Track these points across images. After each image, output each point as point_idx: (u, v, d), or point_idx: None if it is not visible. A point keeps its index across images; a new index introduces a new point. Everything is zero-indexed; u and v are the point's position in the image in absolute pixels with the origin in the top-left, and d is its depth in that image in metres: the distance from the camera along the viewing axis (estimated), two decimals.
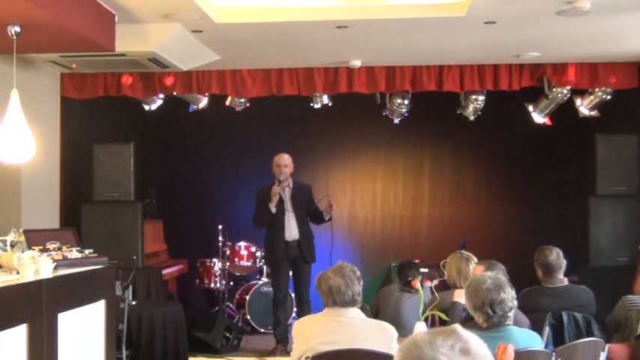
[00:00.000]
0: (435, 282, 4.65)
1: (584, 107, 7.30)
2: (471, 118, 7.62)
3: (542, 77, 6.97)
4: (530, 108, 7.53)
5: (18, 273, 3.78)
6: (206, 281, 8.22)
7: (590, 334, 4.52)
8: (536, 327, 4.16)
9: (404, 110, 7.64)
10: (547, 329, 4.50)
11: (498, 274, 3.64)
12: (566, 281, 4.81)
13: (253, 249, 8.20)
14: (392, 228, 9.02)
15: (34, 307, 3.65)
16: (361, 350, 3.35)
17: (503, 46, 6.22)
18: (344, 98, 7.56)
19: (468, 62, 6.88)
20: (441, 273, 5.00)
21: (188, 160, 9.00)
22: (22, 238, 4.39)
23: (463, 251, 4.90)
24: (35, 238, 4.42)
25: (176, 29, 5.53)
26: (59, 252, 4.35)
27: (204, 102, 7.91)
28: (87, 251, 4.54)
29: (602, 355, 3.78)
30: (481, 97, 7.38)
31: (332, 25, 5.52)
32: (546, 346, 3.92)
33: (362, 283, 3.63)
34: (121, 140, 7.07)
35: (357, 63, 6.79)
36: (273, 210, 6.70)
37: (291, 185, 6.86)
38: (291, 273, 7.02)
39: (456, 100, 7.58)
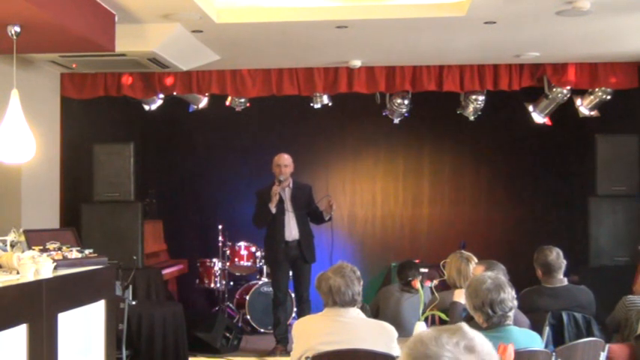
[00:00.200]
0: (435, 282, 4.66)
1: (584, 107, 7.30)
2: (471, 118, 7.62)
3: (542, 77, 6.97)
4: (530, 108, 7.53)
5: (18, 273, 3.78)
6: (206, 281, 8.22)
7: (590, 334, 4.53)
8: (536, 327, 4.16)
9: (404, 110, 7.64)
10: (547, 329, 4.50)
11: (498, 274, 3.64)
12: (565, 281, 4.80)
13: (253, 249, 8.20)
14: (392, 228, 9.02)
15: (34, 307, 3.65)
16: (361, 350, 3.36)
17: (503, 46, 6.22)
18: (344, 98, 7.56)
19: (468, 62, 6.88)
20: (441, 273, 5.00)
21: (188, 159, 9.00)
22: (22, 238, 4.38)
23: (463, 251, 4.89)
24: (35, 238, 4.42)
25: (176, 29, 5.53)
26: (59, 252, 4.35)
27: (204, 102, 7.91)
28: (87, 251, 4.54)
29: (602, 355, 3.78)
30: (481, 97, 7.38)
31: (332, 25, 5.52)
32: (546, 346, 3.92)
33: (362, 283, 3.63)
34: (121, 140, 7.06)
35: (357, 63, 6.79)
36: (273, 210, 6.70)
37: (291, 185, 6.86)
38: (291, 273, 7.02)
39: (456, 100, 7.58)
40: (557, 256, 4.77)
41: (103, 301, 4.44)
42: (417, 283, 4.55)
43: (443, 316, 4.18)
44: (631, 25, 5.52)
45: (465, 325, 1.59)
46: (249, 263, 8.22)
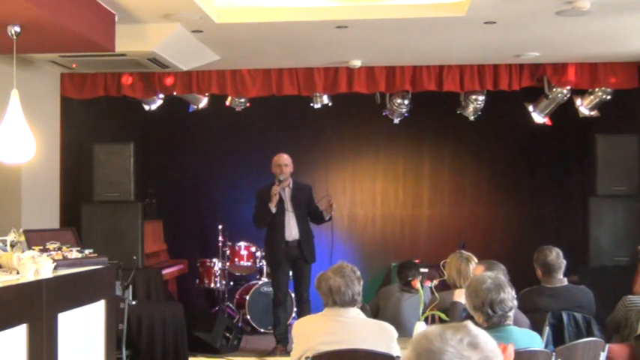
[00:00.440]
0: (435, 282, 4.65)
1: (584, 107, 7.30)
2: (471, 118, 7.62)
3: (542, 77, 6.97)
4: (530, 108, 7.53)
5: (18, 273, 3.78)
6: (206, 281, 8.22)
7: (590, 334, 4.53)
8: (536, 327, 4.16)
9: (404, 110, 7.64)
10: (547, 329, 4.50)
11: (498, 274, 3.64)
12: (565, 281, 4.80)
13: (253, 249, 8.20)
14: (392, 228, 9.02)
15: (34, 307, 3.65)
16: (361, 350, 3.36)
17: (503, 46, 6.22)
18: (344, 98, 7.56)
19: (468, 62, 6.88)
20: (441, 273, 5.00)
21: (188, 160, 9.00)
22: (22, 238, 4.39)
23: (463, 251, 4.89)
24: (35, 238, 4.42)
25: (176, 29, 5.53)
26: (59, 252, 4.35)
27: (204, 102, 7.91)
28: (87, 251, 4.54)
29: (602, 355, 3.78)
30: (481, 97, 7.38)
31: (332, 25, 5.52)
32: (546, 346, 3.92)
33: (362, 283, 3.63)
34: (121, 140, 7.06)
35: (357, 63, 6.79)
36: (273, 210, 6.70)
37: (291, 185, 6.86)
38: (291, 273, 7.02)
39: (456, 100, 7.58)
40: (557, 256, 4.77)
41: (103, 301, 4.44)
42: (417, 283, 4.56)
43: (443, 316, 4.18)
44: (631, 25, 5.52)
45: (469, 323, 1.61)
46: (249, 263, 8.22)
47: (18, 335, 3.49)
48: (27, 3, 4.01)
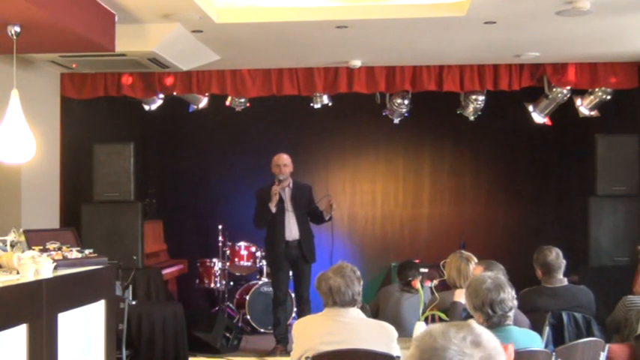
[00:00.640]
0: (435, 282, 4.65)
1: (584, 107, 7.30)
2: (471, 118, 7.62)
3: (542, 77, 6.97)
4: (530, 108, 7.53)
5: (18, 273, 3.78)
6: (206, 281, 8.22)
7: (590, 334, 4.52)
8: (536, 327, 4.16)
9: (404, 110, 7.64)
10: (547, 329, 4.50)
11: (498, 274, 3.64)
12: (565, 281, 4.80)
13: (253, 249, 8.20)
14: (392, 228, 9.02)
15: (34, 307, 3.65)
16: (361, 350, 3.36)
17: (503, 46, 6.22)
18: (344, 98, 7.56)
19: (468, 62, 6.88)
20: (441, 273, 5.00)
21: (188, 160, 9.00)
22: (22, 238, 4.39)
23: (463, 251, 4.89)
24: (35, 238, 4.42)
25: (176, 29, 5.53)
26: (59, 252, 4.35)
27: (204, 102, 7.91)
28: (87, 251, 4.54)
29: (602, 355, 3.78)
30: (481, 97, 7.38)
31: (332, 25, 5.52)
32: (546, 346, 3.92)
33: (362, 283, 3.63)
34: (121, 140, 7.06)
35: (357, 63, 6.79)
36: (273, 210, 6.70)
37: (291, 185, 6.86)
38: (291, 273, 7.02)
39: (456, 100, 7.58)
40: (556, 256, 4.77)
41: (103, 301, 4.44)
42: (417, 283, 4.56)
43: (443, 316, 4.18)
44: (631, 25, 5.52)
45: (473, 322, 1.64)
46: (249, 263, 8.22)
47: (18, 335, 3.49)
48: (27, 3, 4.01)
